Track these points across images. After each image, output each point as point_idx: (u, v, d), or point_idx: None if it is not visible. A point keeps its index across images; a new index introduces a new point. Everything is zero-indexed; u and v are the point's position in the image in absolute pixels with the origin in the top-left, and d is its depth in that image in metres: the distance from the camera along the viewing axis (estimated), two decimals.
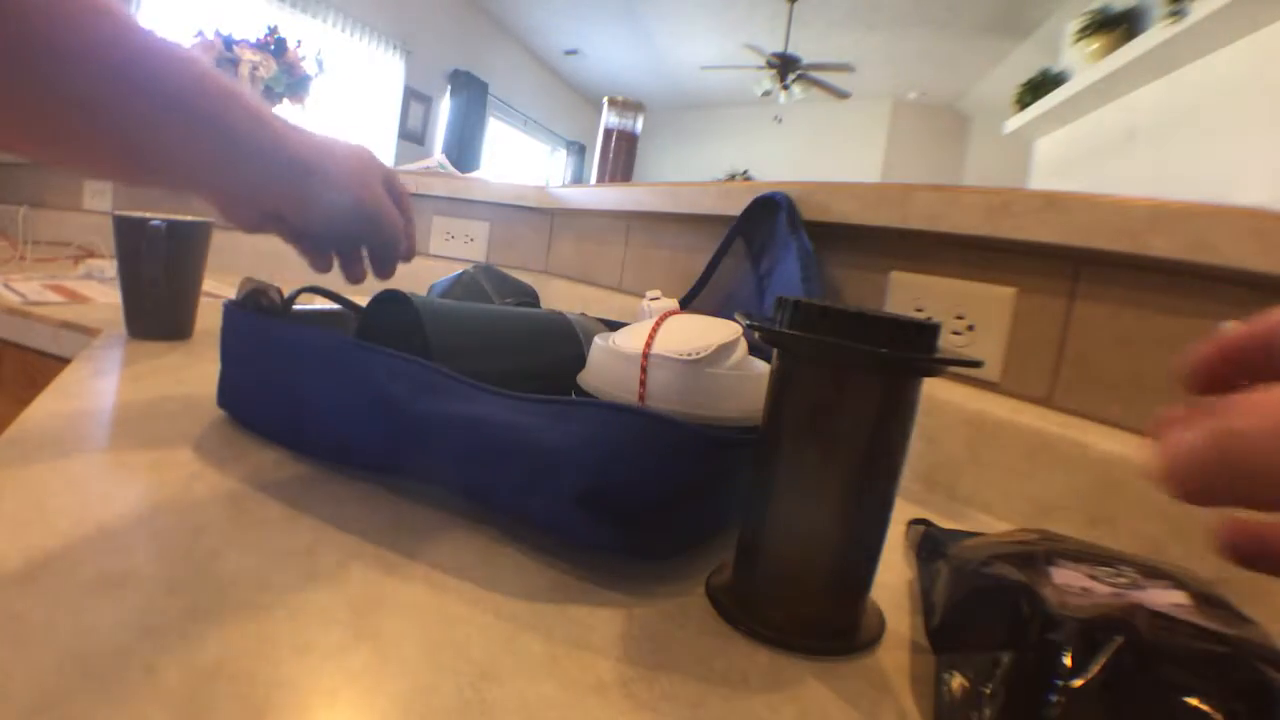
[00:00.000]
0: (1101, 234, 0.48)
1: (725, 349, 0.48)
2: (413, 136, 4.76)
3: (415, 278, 0.61)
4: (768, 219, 0.72)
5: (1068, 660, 0.23)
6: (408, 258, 0.48)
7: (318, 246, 0.47)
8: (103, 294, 0.94)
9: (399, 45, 4.49)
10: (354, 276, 0.49)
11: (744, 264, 0.76)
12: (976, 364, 0.31)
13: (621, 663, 0.28)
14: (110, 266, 1.08)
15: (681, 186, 0.90)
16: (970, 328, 0.57)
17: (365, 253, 0.47)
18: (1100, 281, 0.50)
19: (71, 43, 0.28)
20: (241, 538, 0.34)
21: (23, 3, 0.26)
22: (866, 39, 4.82)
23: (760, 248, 0.74)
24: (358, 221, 0.42)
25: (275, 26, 1.65)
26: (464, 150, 5.03)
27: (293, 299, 0.48)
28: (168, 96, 0.33)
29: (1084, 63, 2.67)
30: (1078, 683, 0.23)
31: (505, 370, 0.45)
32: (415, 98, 4.74)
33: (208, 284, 0.80)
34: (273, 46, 1.60)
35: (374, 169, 0.43)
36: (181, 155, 0.35)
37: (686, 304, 0.78)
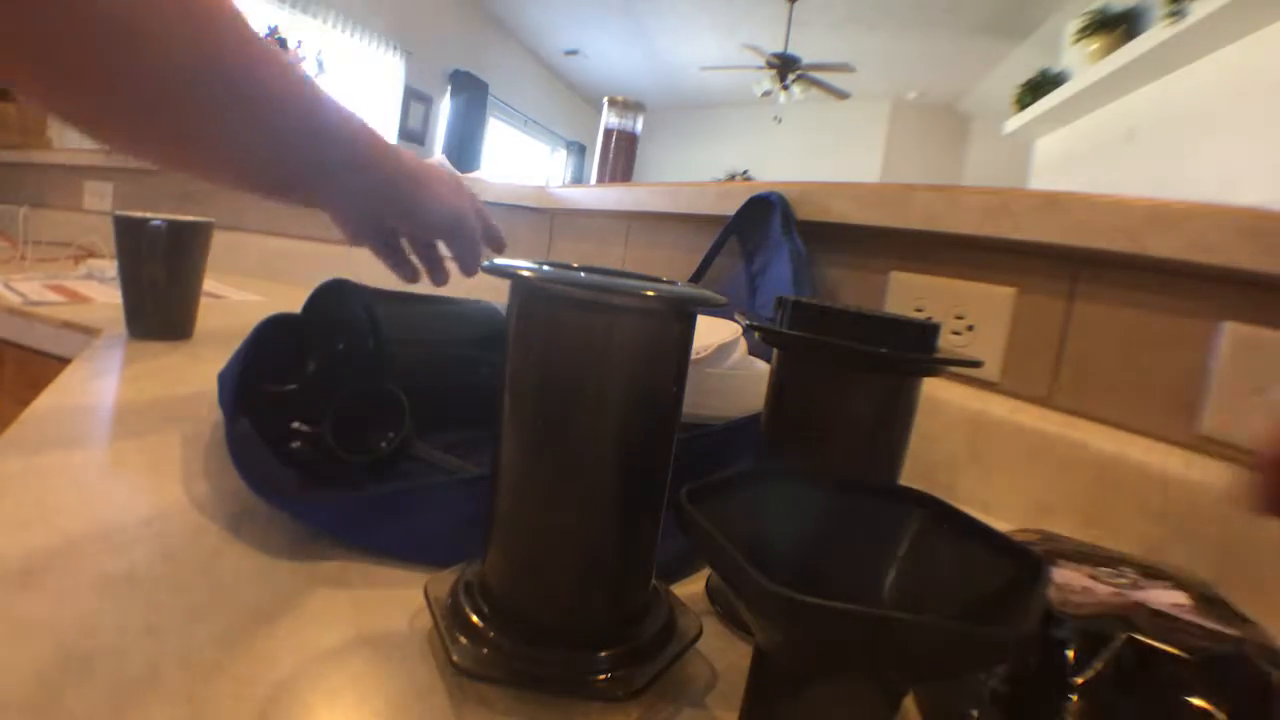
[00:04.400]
0: (1101, 234, 0.48)
1: (725, 349, 0.48)
2: (413, 136, 4.76)
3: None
4: (762, 218, 0.72)
5: (1070, 658, 0.23)
6: (499, 248, 0.53)
7: (404, 259, 0.52)
8: (103, 294, 0.94)
9: (399, 45, 4.48)
10: (439, 280, 0.54)
11: (737, 262, 0.77)
12: (976, 364, 0.32)
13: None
14: (111, 266, 1.08)
15: (681, 186, 0.90)
16: (970, 328, 0.57)
17: (449, 257, 0.52)
18: (1100, 281, 0.50)
19: (259, 90, 0.33)
20: (242, 537, 0.34)
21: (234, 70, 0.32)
22: (866, 39, 4.82)
23: (754, 247, 0.74)
24: (445, 228, 0.47)
25: (275, 26, 1.65)
26: (464, 150, 5.03)
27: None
28: (331, 143, 0.38)
29: (1084, 63, 2.67)
30: (1080, 680, 0.23)
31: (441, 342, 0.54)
32: (415, 98, 4.73)
33: (208, 284, 0.80)
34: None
35: (453, 182, 0.49)
36: (325, 186, 0.41)
37: None
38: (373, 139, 0.41)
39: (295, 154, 0.37)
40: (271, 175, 0.38)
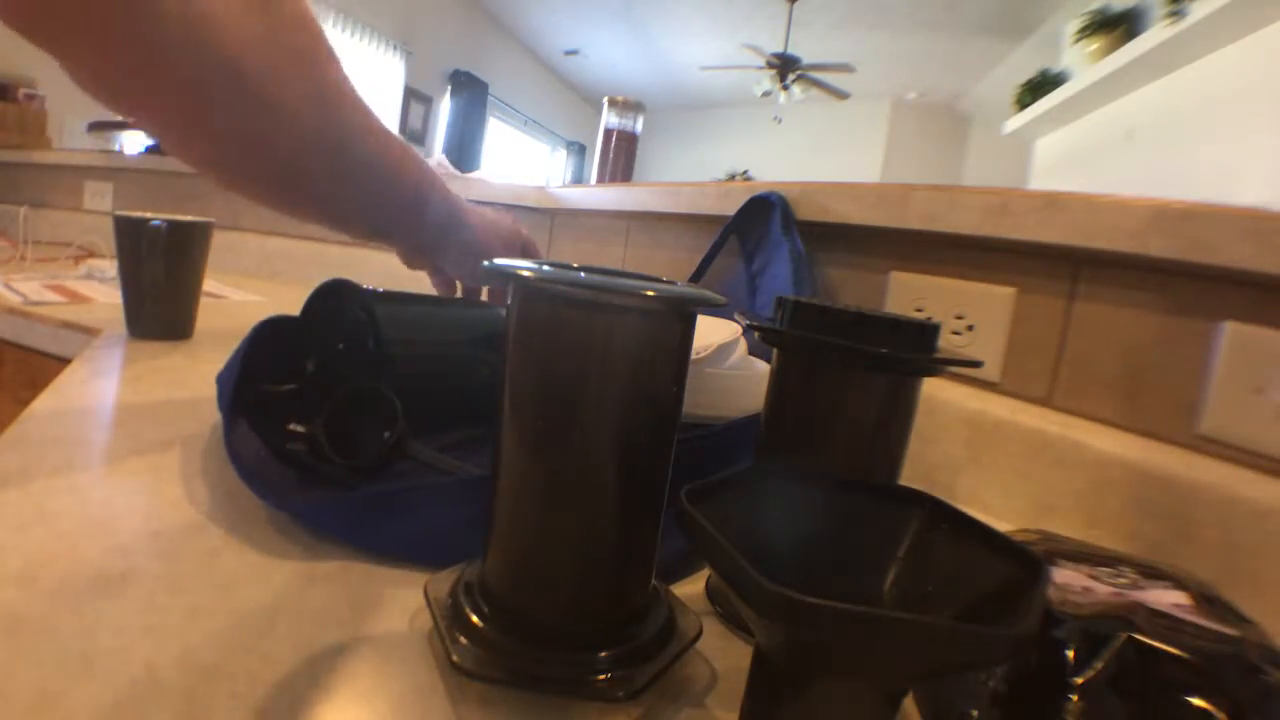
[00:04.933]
0: (1101, 234, 0.48)
1: (725, 349, 0.48)
2: (413, 136, 4.76)
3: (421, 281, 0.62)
4: (761, 218, 0.72)
5: (1070, 658, 0.23)
6: None
7: (450, 287, 0.60)
8: (103, 294, 0.94)
9: (399, 45, 4.48)
10: (472, 300, 0.63)
11: (737, 262, 0.77)
12: (976, 364, 0.32)
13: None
14: (111, 266, 1.08)
15: (681, 186, 0.90)
16: (970, 328, 0.57)
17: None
18: (1100, 281, 0.50)
19: (349, 150, 0.39)
20: (241, 537, 0.34)
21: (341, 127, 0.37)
22: (866, 39, 4.82)
23: (753, 246, 0.74)
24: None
25: None
26: (464, 150, 5.03)
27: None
28: (398, 192, 0.44)
29: (1084, 63, 2.67)
30: (1080, 680, 0.23)
31: (440, 342, 0.56)
32: (415, 98, 4.73)
33: (208, 284, 0.80)
34: None
35: (507, 230, 0.58)
36: (403, 237, 0.50)
37: None
38: (448, 199, 0.49)
39: (391, 216, 0.46)
40: (362, 226, 0.47)
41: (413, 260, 0.56)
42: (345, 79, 0.37)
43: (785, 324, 0.32)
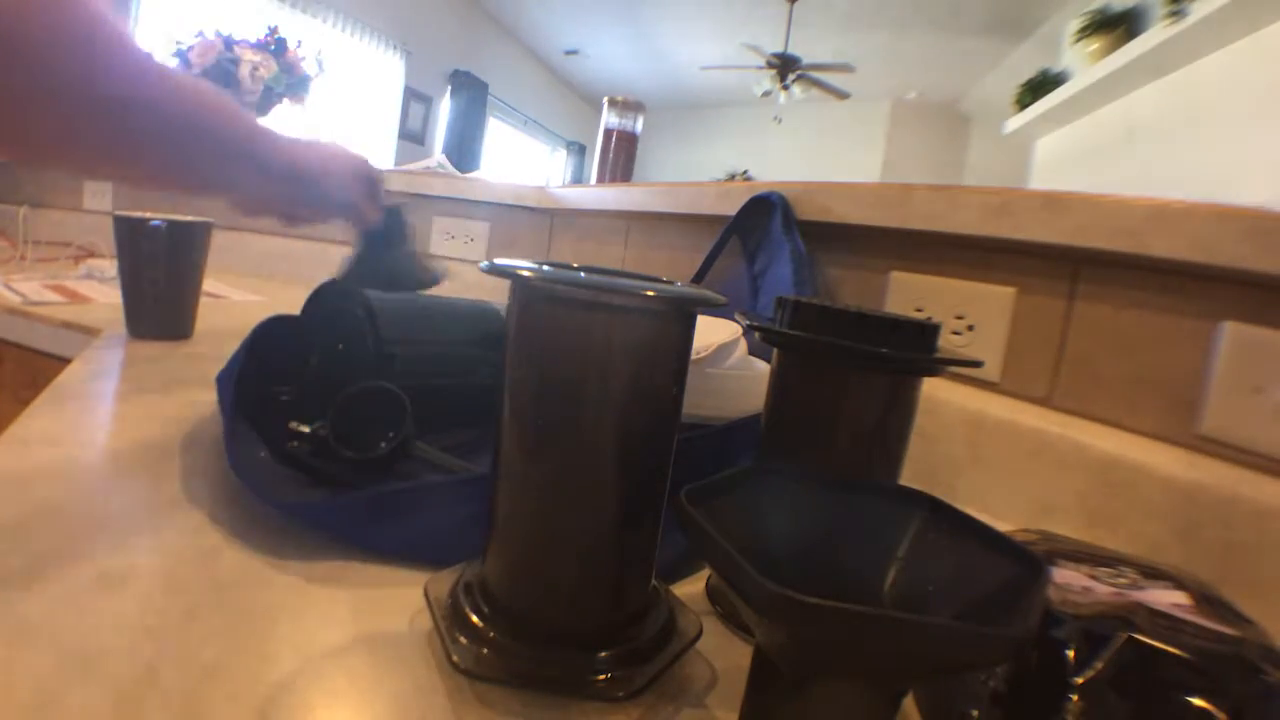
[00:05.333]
0: (1101, 234, 0.48)
1: (725, 349, 0.48)
2: (413, 136, 4.76)
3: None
4: (763, 218, 0.72)
5: (1070, 658, 0.23)
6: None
7: (300, 220, 0.57)
8: (103, 294, 0.94)
9: (399, 45, 4.48)
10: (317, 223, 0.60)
11: (739, 262, 0.77)
12: (976, 364, 0.32)
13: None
14: (111, 266, 1.08)
15: (681, 186, 0.90)
16: (970, 328, 0.57)
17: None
18: (1100, 281, 0.50)
19: (139, 94, 0.36)
20: (241, 537, 0.34)
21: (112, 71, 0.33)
22: (866, 39, 4.82)
23: (755, 247, 0.74)
24: (334, 209, 0.54)
25: (275, 26, 1.65)
26: (464, 150, 5.02)
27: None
28: (217, 142, 0.42)
29: (1084, 63, 2.66)
30: (1080, 680, 0.23)
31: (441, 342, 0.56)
32: (415, 98, 4.73)
33: (208, 284, 0.80)
34: (273, 46, 1.59)
35: (347, 167, 0.55)
36: (216, 178, 0.46)
37: None
38: (274, 144, 0.47)
39: (210, 165, 0.43)
40: (183, 181, 0.45)
41: (252, 215, 0.53)
42: (104, 17, 0.33)
43: (785, 324, 0.32)
